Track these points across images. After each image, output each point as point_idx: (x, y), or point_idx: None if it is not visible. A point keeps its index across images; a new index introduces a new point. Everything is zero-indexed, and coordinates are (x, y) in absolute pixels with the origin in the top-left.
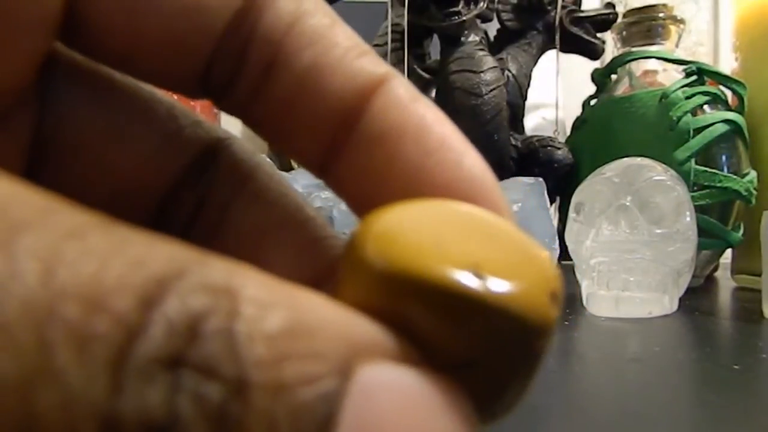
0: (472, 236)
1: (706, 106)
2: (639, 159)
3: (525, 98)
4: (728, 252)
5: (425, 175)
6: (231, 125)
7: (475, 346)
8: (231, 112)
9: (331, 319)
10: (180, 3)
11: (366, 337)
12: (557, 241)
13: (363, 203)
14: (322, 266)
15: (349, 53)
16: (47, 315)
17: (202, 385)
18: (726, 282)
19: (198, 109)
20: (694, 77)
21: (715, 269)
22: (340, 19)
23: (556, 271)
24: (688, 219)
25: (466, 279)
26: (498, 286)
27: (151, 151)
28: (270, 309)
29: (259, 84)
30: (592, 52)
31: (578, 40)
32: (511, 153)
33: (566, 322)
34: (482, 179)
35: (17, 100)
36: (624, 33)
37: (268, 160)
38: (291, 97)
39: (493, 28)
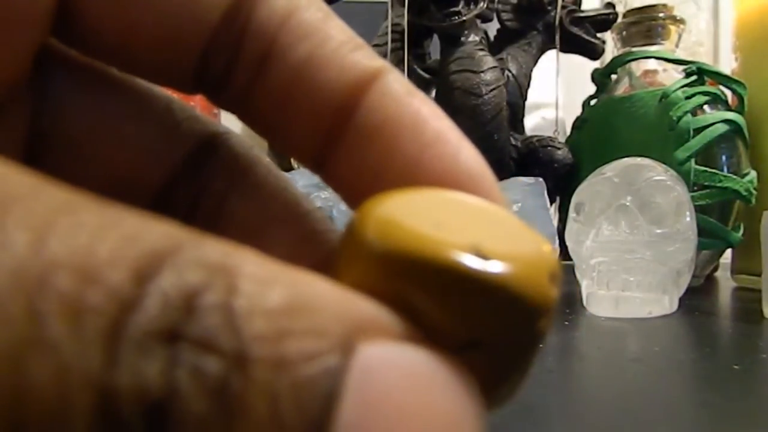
0: (471, 220)
1: (706, 106)
2: (639, 159)
3: (525, 98)
4: (728, 252)
5: (422, 168)
6: (231, 124)
7: (477, 326)
8: (226, 107)
9: (331, 297)
10: None
11: (367, 315)
12: (557, 241)
13: (359, 197)
14: (319, 259)
15: (343, 47)
16: (38, 285)
17: (201, 359)
18: (726, 282)
19: (198, 109)
20: (694, 77)
21: (715, 269)
22: (334, 13)
23: (553, 253)
24: (688, 219)
25: (467, 260)
26: (498, 266)
27: (148, 144)
28: (269, 285)
29: (254, 78)
30: (592, 52)
31: (578, 40)
32: (511, 153)
33: (566, 322)
34: (478, 172)
35: (11, 95)
36: (624, 33)
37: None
38: (285, 91)
39: (493, 28)
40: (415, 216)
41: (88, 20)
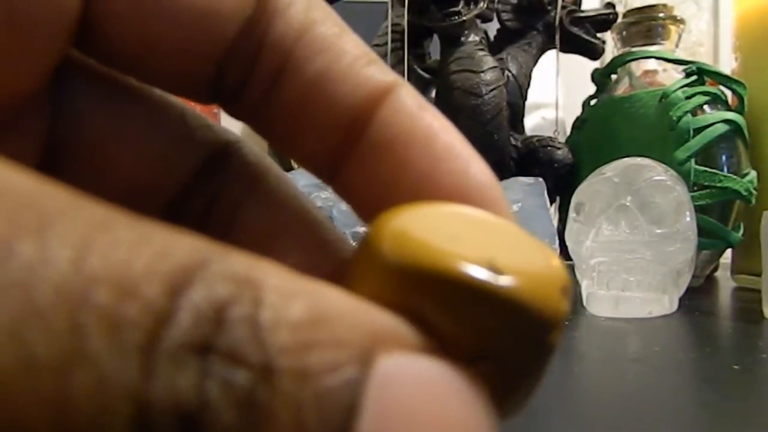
0: (484, 234)
1: (706, 106)
2: (639, 159)
3: (525, 98)
4: (728, 252)
5: (433, 182)
6: (231, 126)
7: (490, 338)
8: (240, 117)
9: (350, 309)
10: (191, 12)
11: (385, 327)
12: (557, 241)
13: (370, 209)
14: (330, 268)
15: (357, 61)
16: (80, 300)
17: (230, 371)
18: (726, 282)
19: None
20: (694, 77)
21: (715, 269)
22: (349, 28)
23: (564, 268)
24: (688, 219)
25: (481, 273)
26: (511, 280)
27: (163, 153)
28: (291, 298)
29: (269, 90)
30: (592, 52)
31: (578, 40)
32: (511, 153)
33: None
34: (488, 187)
35: (31, 103)
36: (624, 33)
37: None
38: (300, 104)
39: (493, 28)
40: (429, 230)
41: (108, 32)
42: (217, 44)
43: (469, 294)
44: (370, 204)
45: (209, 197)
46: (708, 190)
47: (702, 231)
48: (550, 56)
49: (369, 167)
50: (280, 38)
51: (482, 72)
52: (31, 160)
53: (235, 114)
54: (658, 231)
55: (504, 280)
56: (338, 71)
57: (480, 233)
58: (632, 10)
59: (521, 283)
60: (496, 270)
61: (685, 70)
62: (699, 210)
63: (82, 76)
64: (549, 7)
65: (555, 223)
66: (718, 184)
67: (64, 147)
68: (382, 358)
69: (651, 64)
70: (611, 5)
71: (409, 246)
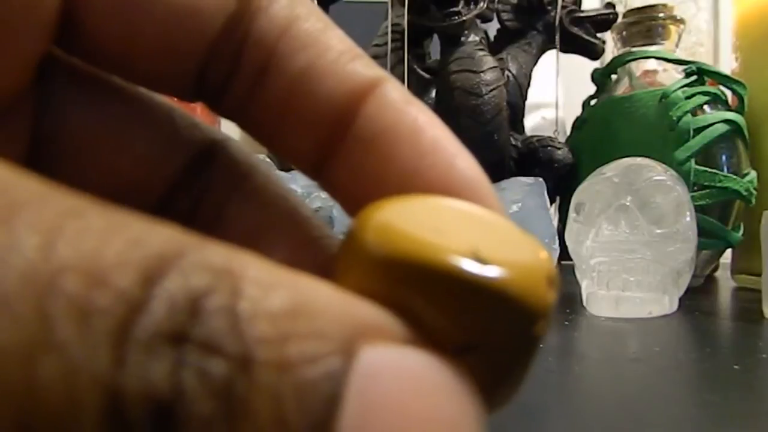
0: (469, 226)
1: (706, 106)
2: (639, 159)
3: (525, 98)
4: (728, 252)
5: (419, 176)
6: (230, 128)
7: (476, 330)
8: (226, 115)
9: (333, 301)
10: (174, 9)
11: (368, 318)
12: (557, 241)
13: (357, 204)
14: (318, 264)
15: (342, 56)
16: (47, 287)
17: (206, 362)
18: (726, 282)
19: (198, 112)
20: (694, 77)
21: (715, 269)
22: (333, 23)
23: (550, 259)
24: (688, 219)
25: (467, 265)
26: (496, 271)
27: (149, 151)
28: (272, 289)
29: (253, 87)
30: (592, 52)
31: (578, 40)
32: (511, 153)
33: (566, 322)
34: (475, 180)
35: (15, 103)
36: (624, 33)
37: (268, 160)
38: (285, 100)
39: (493, 28)
40: (413, 222)
41: (90, 30)
42: (200, 41)
43: (453, 285)
44: (358, 199)
45: (196, 195)
46: (708, 190)
47: (702, 231)
48: (550, 56)
49: (355, 162)
50: (264, 35)
51: (482, 72)
52: (15, 159)
53: (221, 112)
54: (658, 231)
55: (489, 271)
56: (323, 67)
57: (465, 225)
58: (632, 10)
59: (506, 274)
60: (481, 261)
61: (685, 70)
62: (699, 210)
63: (67, 76)
64: (549, 7)
65: (555, 223)
66: (718, 184)
67: (50, 146)
68: (366, 349)
69: (651, 64)
70: (611, 5)
71: (393, 238)
